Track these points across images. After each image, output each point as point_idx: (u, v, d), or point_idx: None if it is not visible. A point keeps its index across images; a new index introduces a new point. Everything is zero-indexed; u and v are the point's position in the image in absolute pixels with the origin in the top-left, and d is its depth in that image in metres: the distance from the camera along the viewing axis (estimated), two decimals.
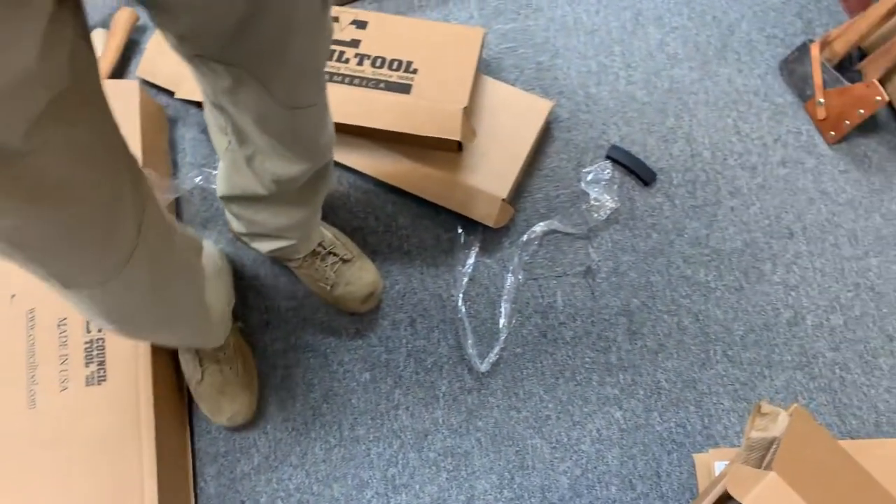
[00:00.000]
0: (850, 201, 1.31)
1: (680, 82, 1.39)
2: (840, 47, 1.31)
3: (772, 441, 0.90)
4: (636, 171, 1.32)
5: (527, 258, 1.25)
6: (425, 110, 1.16)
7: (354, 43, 1.24)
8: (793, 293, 1.25)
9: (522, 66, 1.41)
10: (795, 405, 0.93)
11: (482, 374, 1.18)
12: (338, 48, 1.23)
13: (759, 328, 1.23)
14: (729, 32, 1.43)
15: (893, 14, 1.23)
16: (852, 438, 1.16)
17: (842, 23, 1.43)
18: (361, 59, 1.22)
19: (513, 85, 1.37)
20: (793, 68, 1.38)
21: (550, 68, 1.40)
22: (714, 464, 1.11)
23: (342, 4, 1.43)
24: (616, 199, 1.29)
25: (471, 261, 1.24)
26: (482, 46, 1.25)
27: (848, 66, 1.37)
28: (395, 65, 1.21)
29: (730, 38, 1.43)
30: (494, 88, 1.30)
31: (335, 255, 1.17)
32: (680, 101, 1.38)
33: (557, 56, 1.41)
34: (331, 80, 1.20)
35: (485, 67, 1.39)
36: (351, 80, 1.19)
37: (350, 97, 1.17)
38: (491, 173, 1.24)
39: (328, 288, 1.17)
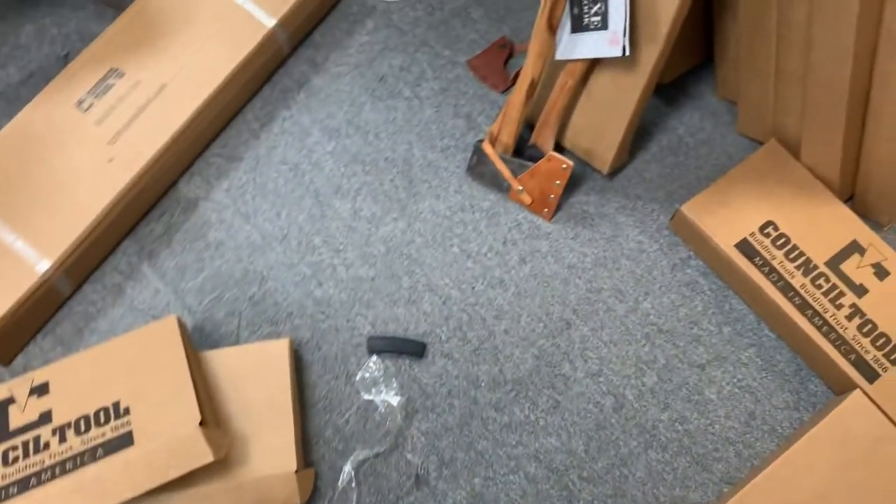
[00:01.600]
0: (596, 261, 1.32)
1: (392, 239, 1.34)
2: (507, 138, 1.31)
3: None
4: (404, 351, 1.24)
5: None
6: (162, 451, 1.00)
7: (45, 419, 1.04)
8: (601, 379, 1.23)
9: (236, 309, 1.28)
10: None
11: None
12: (29, 438, 1.03)
13: (594, 432, 1.19)
14: (407, 166, 1.40)
15: (532, 94, 1.26)
16: (729, 484, 1.16)
17: (493, 101, 1.45)
18: (62, 433, 1.02)
19: (236, 335, 1.24)
20: (480, 171, 1.37)
21: (266, 296, 1.29)
22: None
23: None
24: (401, 390, 1.20)
25: None
26: (182, 333, 1.11)
27: (526, 141, 1.39)
28: (103, 416, 1.03)
29: (411, 171, 1.40)
30: (220, 360, 1.16)
31: None
32: (403, 258, 1.32)
33: (266, 280, 1.30)
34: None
35: (199, 339, 1.25)
36: (63, 468, 0.99)
37: (72, 492, 0.98)
38: (268, 452, 1.09)
39: None
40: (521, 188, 1.33)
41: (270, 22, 1.39)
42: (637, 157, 1.41)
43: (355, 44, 1.51)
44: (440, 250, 1.33)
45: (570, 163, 1.28)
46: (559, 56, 1.23)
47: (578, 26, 1.18)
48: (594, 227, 1.35)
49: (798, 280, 1.23)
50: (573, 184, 1.39)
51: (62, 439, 1.02)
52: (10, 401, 1.07)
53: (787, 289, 1.22)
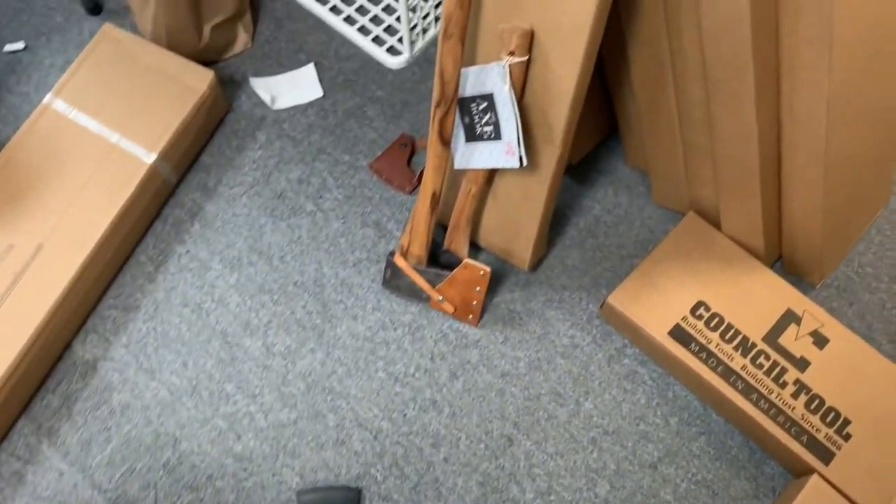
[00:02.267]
0: (530, 364, 1.25)
1: (312, 374, 1.25)
2: (418, 250, 1.24)
3: None
4: (337, 501, 1.15)
5: None
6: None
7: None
8: (552, 497, 1.16)
9: (151, 480, 1.17)
10: None
11: None
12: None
13: None
14: (319, 288, 1.32)
15: (436, 205, 1.19)
16: None
17: (402, 203, 1.38)
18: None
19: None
20: (396, 284, 1.29)
21: (181, 460, 1.18)
22: None
23: None
24: None
25: None
26: None
27: (440, 245, 1.31)
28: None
29: (323, 293, 1.31)
30: None
31: None
32: (325, 392, 1.23)
33: (180, 442, 1.20)
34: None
35: None
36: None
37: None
38: None
39: None
40: (441, 298, 1.26)
41: (150, 157, 1.29)
42: (556, 243, 1.35)
43: (248, 161, 1.42)
44: (365, 378, 1.24)
45: (488, 269, 1.21)
46: (457, 166, 1.17)
47: (472, 136, 1.12)
48: (523, 327, 1.28)
49: (738, 362, 1.18)
50: (496, 282, 1.32)
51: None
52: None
53: (727, 373, 1.17)
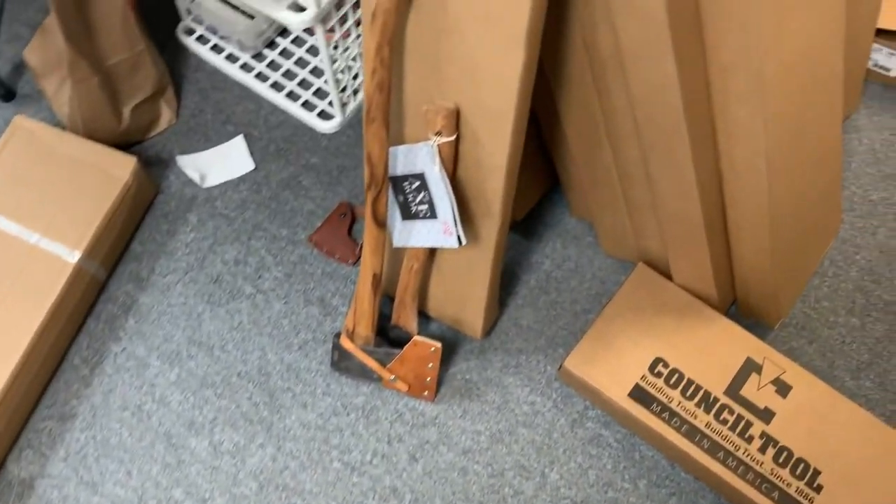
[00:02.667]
0: (492, 437, 1.21)
1: (264, 470, 1.19)
2: (364, 330, 1.19)
3: None
4: None
5: None
6: None
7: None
8: None
9: None
10: None
11: None
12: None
13: None
14: (265, 377, 1.26)
15: (378, 285, 1.14)
16: None
17: (346, 276, 1.33)
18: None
19: None
20: (346, 365, 1.24)
21: None
22: None
23: None
24: None
25: None
26: None
27: (388, 319, 1.26)
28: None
29: (269, 382, 1.25)
30: None
31: None
32: (279, 490, 1.17)
33: None
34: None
35: None
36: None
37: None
38: None
39: None
40: (393, 377, 1.21)
41: (74, 256, 1.22)
42: (509, 304, 1.31)
43: (180, 245, 1.36)
44: (319, 470, 1.19)
45: (438, 345, 1.16)
46: (396, 244, 1.12)
47: (408, 214, 1.07)
48: (482, 398, 1.24)
49: (701, 419, 1.14)
50: (449, 351, 1.27)
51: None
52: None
53: (692, 433, 1.13)
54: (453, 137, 0.98)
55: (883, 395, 1.22)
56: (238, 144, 1.44)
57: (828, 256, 1.34)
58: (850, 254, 1.33)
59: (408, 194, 1.06)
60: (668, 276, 1.25)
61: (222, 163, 1.43)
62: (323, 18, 1.23)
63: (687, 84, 0.91)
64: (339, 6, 1.28)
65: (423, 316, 1.29)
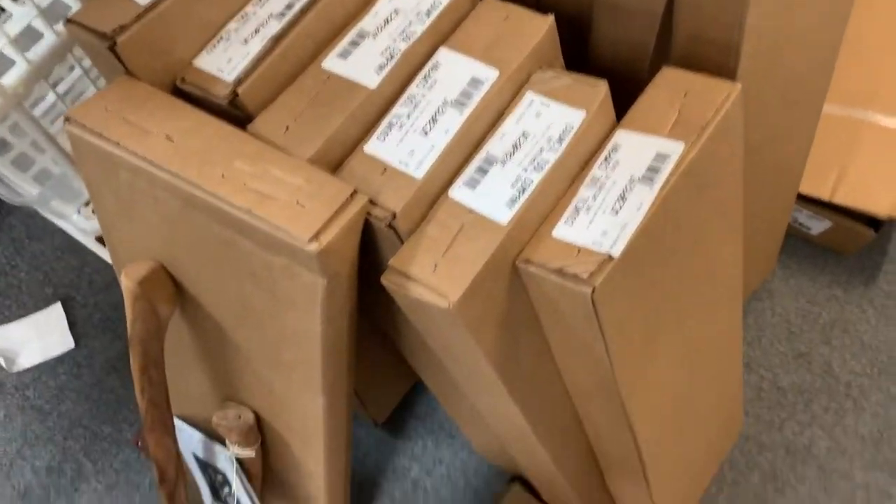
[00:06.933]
0: None
1: None
2: None
3: None
4: None
5: None
6: None
7: None
8: None
9: None
10: None
11: None
12: None
13: None
14: None
15: None
16: None
17: None
18: None
19: None
20: None
21: None
22: None
23: None
24: None
25: None
26: None
27: None
28: None
29: None
30: None
31: None
32: None
33: None
34: None
35: None
36: None
37: None
38: None
39: None
40: None
41: None
42: None
43: None
44: None
45: None
46: None
47: (217, 498, 0.89)
48: None
49: None
50: None
51: None
52: None
53: None
54: (253, 451, 0.79)
55: None
56: (56, 314, 1.22)
57: (728, 458, 1.20)
58: (752, 454, 1.19)
59: (214, 481, 0.87)
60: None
61: (37, 339, 1.21)
62: None
63: (535, 411, 0.74)
64: None
65: None
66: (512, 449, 0.87)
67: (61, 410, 1.18)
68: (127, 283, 0.63)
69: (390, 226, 0.57)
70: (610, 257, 0.55)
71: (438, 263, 0.56)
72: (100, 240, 1.27)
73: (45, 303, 1.23)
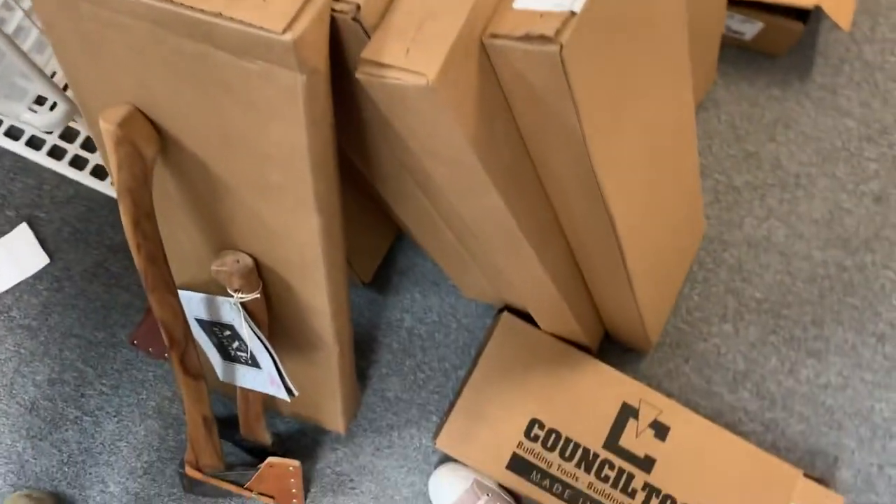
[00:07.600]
0: None
1: None
2: (209, 460, 1.05)
3: None
4: None
5: None
6: None
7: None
8: None
9: None
10: None
11: None
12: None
13: None
14: None
15: (211, 428, 0.99)
16: None
17: None
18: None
19: None
20: (202, 490, 1.11)
21: None
22: None
23: None
24: None
25: None
26: None
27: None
28: None
29: None
30: None
31: None
32: None
33: None
34: None
35: None
36: None
37: None
38: None
39: None
40: (254, 495, 1.10)
41: None
42: (372, 375, 1.20)
43: None
44: None
45: (297, 463, 1.05)
46: (222, 379, 0.97)
47: (227, 356, 0.92)
48: (356, 489, 1.15)
49: (583, 481, 1.09)
50: (315, 445, 1.16)
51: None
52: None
53: (575, 497, 1.09)
54: (256, 294, 0.81)
55: (760, 404, 1.21)
56: (23, 234, 1.21)
57: (696, 259, 1.27)
58: (718, 252, 1.27)
59: (221, 339, 0.90)
60: (534, 323, 1.16)
61: (10, 261, 1.20)
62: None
63: (518, 205, 0.77)
64: None
65: (277, 414, 1.16)
66: (499, 262, 0.91)
67: (50, 325, 1.18)
68: (106, 126, 0.63)
69: (355, 19, 0.58)
70: (572, 13, 0.57)
71: (410, 48, 0.58)
72: (52, 154, 1.25)
73: (10, 226, 1.21)
